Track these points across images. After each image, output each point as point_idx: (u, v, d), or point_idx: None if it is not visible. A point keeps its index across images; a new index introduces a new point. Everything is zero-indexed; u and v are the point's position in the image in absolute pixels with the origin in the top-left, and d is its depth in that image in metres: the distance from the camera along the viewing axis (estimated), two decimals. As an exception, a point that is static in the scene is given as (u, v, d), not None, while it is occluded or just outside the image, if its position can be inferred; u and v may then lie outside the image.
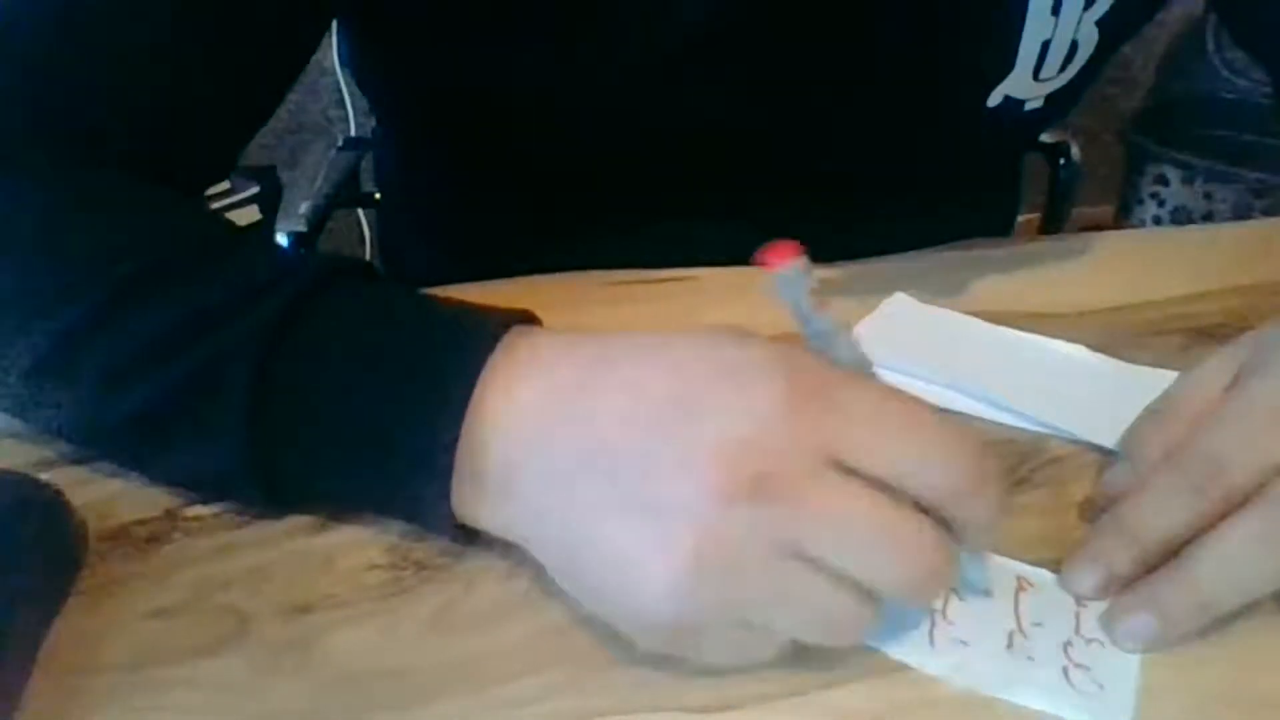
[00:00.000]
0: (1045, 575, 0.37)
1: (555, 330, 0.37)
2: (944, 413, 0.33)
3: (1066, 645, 0.34)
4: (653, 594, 0.30)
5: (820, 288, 0.32)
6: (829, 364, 0.33)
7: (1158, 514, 0.36)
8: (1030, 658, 0.33)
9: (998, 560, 0.37)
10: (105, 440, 0.41)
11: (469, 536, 0.36)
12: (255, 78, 0.50)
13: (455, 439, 0.34)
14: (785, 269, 0.32)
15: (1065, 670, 0.33)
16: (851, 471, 0.30)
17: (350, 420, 0.36)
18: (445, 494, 0.35)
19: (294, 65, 0.52)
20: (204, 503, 0.40)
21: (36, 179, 0.43)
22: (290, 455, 0.36)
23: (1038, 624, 0.35)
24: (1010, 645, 0.34)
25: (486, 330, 0.35)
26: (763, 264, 0.32)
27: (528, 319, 0.38)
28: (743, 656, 0.32)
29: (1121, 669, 0.33)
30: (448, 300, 0.39)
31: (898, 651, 0.34)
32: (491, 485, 0.34)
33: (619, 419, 0.32)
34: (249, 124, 0.52)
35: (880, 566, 0.30)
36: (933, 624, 0.34)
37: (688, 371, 0.32)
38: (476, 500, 0.35)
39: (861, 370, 0.33)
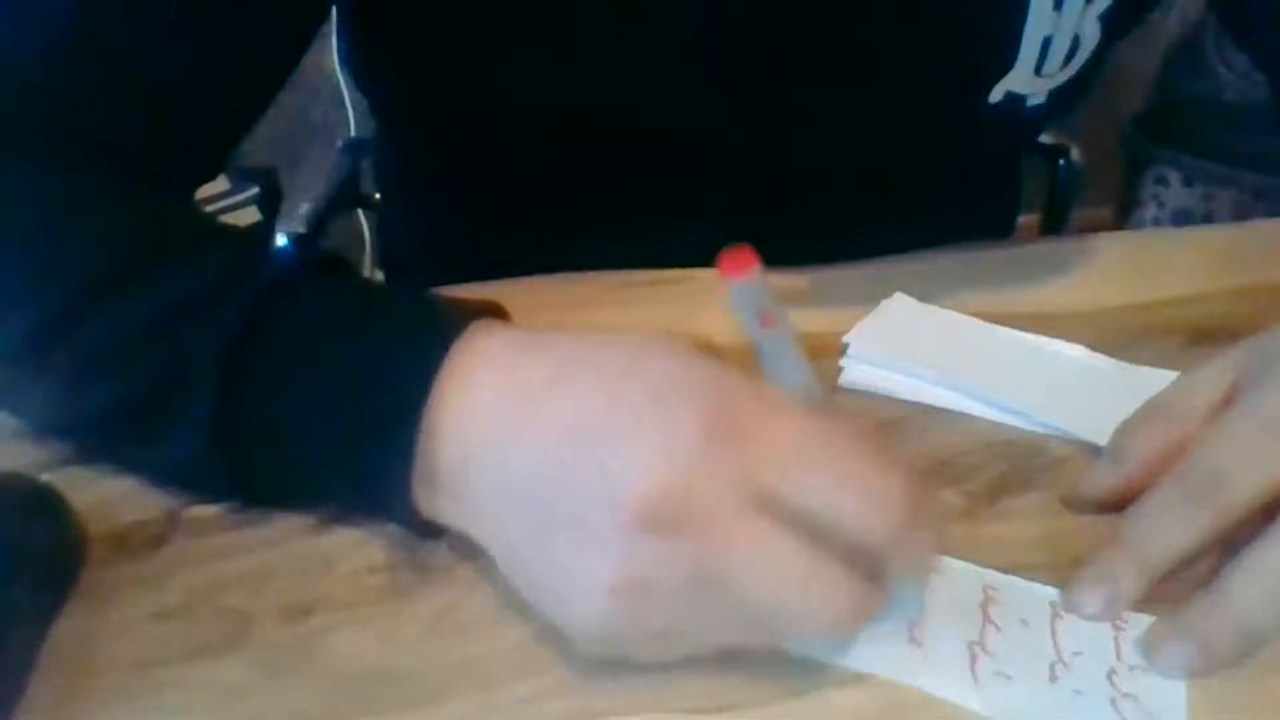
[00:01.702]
0: (1015, 582, 0.36)
1: (515, 329, 0.37)
2: (891, 435, 0.32)
3: (1111, 674, 0.33)
4: (577, 613, 0.31)
5: (776, 302, 0.31)
6: (769, 386, 0.32)
7: (1160, 530, 0.35)
8: (1076, 690, 0.33)
9: (965, 569, 0.37)
10: (74, 434, 0.42)
11: (436, 531, 0.37)
12: (247, 76, 0.50)
13: (413, 434, 0.34)
14: (739, 281, 0.30)
15: (1113, 701, 0.32)
16: (774, 505, 0.30)
17: (313, 417, 0.36)
18: (406, 490, 0.35)
19: (286, 64, 0.52)
20: (204, 504, 0.40)
21: (19, 175, 0.43)
22: (255, 451, 0.37)
23: (1078, 653, 0.34)
24: (1054, 678, 0.33)
25: (446, 327, 0.36)
26: (720, 271, 0.31)
27: (493, 311, 0.38)
28: (678, 656, 0.32)
29: (1169, 694, 0.33)
30: (415, 294, 0.39)
31: (941, 688, 0.33)
32: (445, 485, 0.35)
33: (553, 438, 0.32)
34: (240, 123, 0.52)
35: (790, 610, 0.30)
36: (973, 657, 0.34)
37: (619, 393, 0.32)
38: (435, 498, 0.35)
39: (806, 395, 0.32)
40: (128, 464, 0.41)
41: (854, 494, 0.30)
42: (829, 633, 0.31)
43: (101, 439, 0.41)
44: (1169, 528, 0.35)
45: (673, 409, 0.31)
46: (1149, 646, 0.34)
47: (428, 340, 0.35)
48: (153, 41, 0.46)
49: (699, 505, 0.30)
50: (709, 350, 0.34)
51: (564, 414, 0.32)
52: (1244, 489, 0.34)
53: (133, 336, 0.38)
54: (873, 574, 0.31)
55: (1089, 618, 0.35)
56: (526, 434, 0.33)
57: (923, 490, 0.31)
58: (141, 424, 0.38)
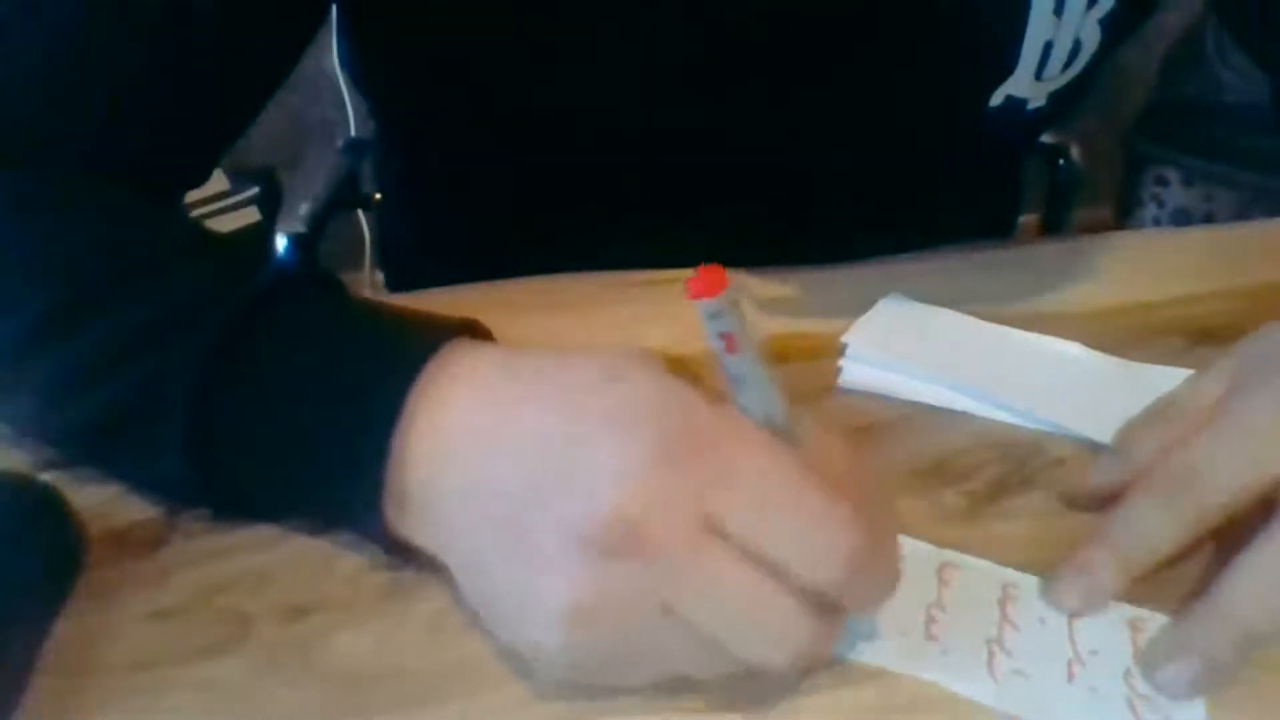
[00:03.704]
0: (1032, 581, 0.36)
1: (492, 347, 0.37)
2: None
3: (1127, 674, 0.33)
4: (538, 637, 0.31)
5: (743, 325, 0.30)
6: (731, 411, 0.31)
7: (1137, 526, 0.36)
8: (1093, 689, 0.33)
9: (987, 568, 0.37)
10: (56, 443, 0.42)
11: (408, 551, 0.36)
12: (239, 82, 0.50)
13: (382, 454, 0.34)
14: (707, 301, 0.29)
15: (1130, 701, 0.32)
16: (727, 536, 0.29)
17: (286, 434, 0.36)
18: (375, 509, 0.35)
19: (279, 70, 0.51)
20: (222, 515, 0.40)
21: (4, 183, 0.43)
22: (230, 469, 0.37)
23: (1094, 651, 0.34)
24: (1071, 677, 0.33)
25: (420, 347, 0.35)
26: (688, 292, 0.29)
27: (471, 329, 0.38)
28: (639, 681, 0.32)
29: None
30: (393, 309, 0.39)
31: (961, 686, 0.33)
32: (414, 504, 0.35)
33: (514, 458, 0.32)
34: (232, 128, 0.52)
35: (744, 639, 0.30)
36: (990, 655, 0.34)
37: (580, 412, 0.32)
38: (404, 517, 0.35)
39: (769, 422, 0.31)
40: (108, 471, 0.41)
41: (804, 539, 0.30)
42: (780, 667, 0.30)
43: (81, 448, 0.41)
44: (1146, 524, 0.36)
45: (629, 431, 0.30)
46: (1151, 668, 0.33)
47: (400, 360, 0.35)
48: (143, 47, 0.45)
49: (652, 530, 0.29)
50: (681, 368, 0.33)
51: (527, 433, 0.32)
52: (1217, 488, 0.35)
53: (111, 351, 0.38)
54: (826, 608, 0.30)
55: (1070, 611, 0.35)
56: (493, 452, 0.33)
57: (886, 531, 0.31)
58: (120, 436, 0.38)
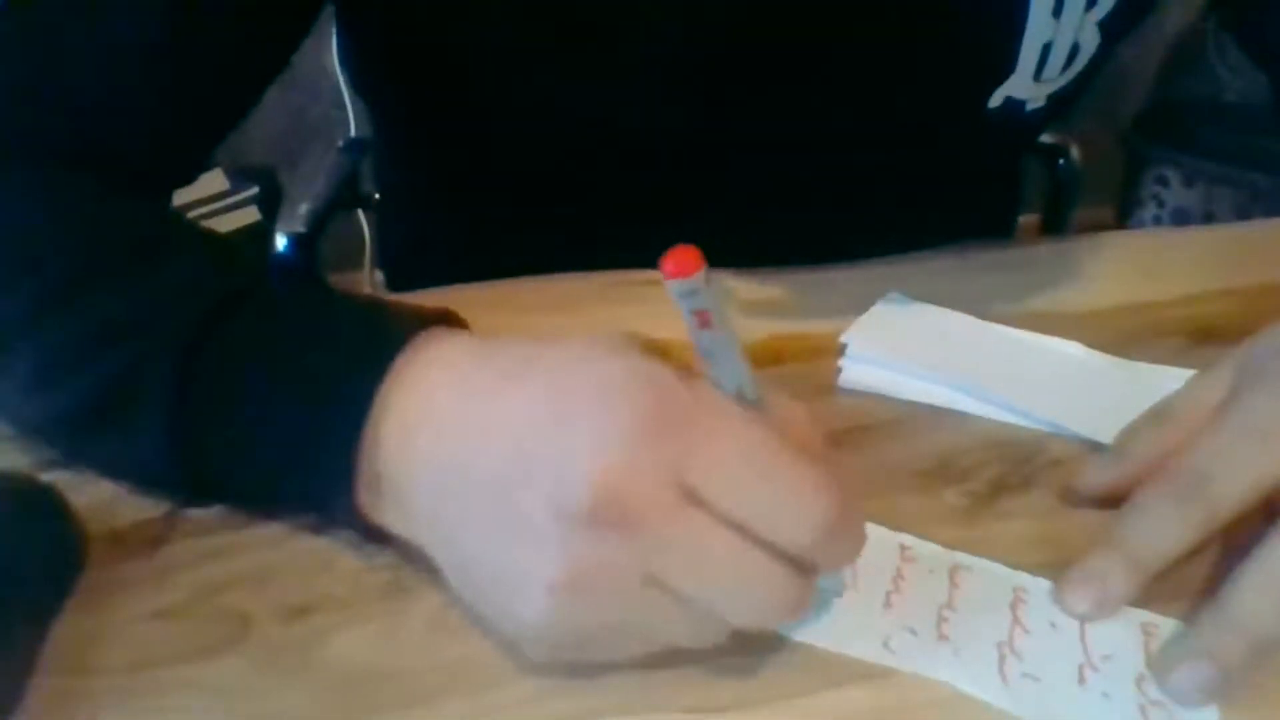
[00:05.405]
0: (1043, 584, 0.36)
1: (467, 335, 0.37)
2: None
3: (1140, 680, 0.33)
4: (525, 613, 0.31)
5: (718, 302, 0.30)
6: (705, 386, 0.32)
7: (1148, 529, 0.36)
8: (1105, 694, 0.33)
9: (998, 571, 0.37)
10: (34, 434, 0.42)
11: (383, 536, 0.36)
12: (229, 81, 0.50)
13: (354, 439, 0.34)
14: (677, 279, 0.30)
15: (1142, 707, 0.32)
16: (706, 504, 0.30)
17: (263, 420, 0.36)
18: (348, 495, 0.35)
19: (270, 70, 0.52)
20: (203, 504, 0.40)
21: None
22: (209, 455, 0.37)
23: (1106, 656, 0.34)
24: (1082, 681, 0.33)
25: (394, 335, 0.36)
26: (662, 270, 0.30)
27: (447, 319, 0.38)
28: (626, 656, 0.32)
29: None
30: (372, 300, 0.39)
31: (971, 688, 0.33)
32: (388, 491, 0.35)
33: (496, 439, 0.32)
34: (222, 126, 0.52)
35: (731, 602, 0.31)
36: (1001, 658, 0.34)
37: (560, 391, 0.32)
38: (378, 504, 0.35)
39: (740, 394, 0.32)
40: (88, 460, 0.41)
41: (782, 505, 0.30)
42: (772, 622, 0.32)
43: (57, 441, 0.42)
44: (1157, 527, 0.36)
45: (607, 408, 0.31)
46: (1162, 668, 0.33)
47: (374, 348, 0.36)
48: (132, 45, 0.46)
49: (633, 500, 0.30)
50: (657, 351, 0.33)
51: (507, 415, 0.33)
52: (1228, 490, 0.35)
53: (88, 345, 0.38)
54: (800, 568, 0.31)
55: (1081, 618, 0.35)
56: (471, 437, 0.33)
57: (851, 493, 0.31)
58: (100, 423, 0.39)
